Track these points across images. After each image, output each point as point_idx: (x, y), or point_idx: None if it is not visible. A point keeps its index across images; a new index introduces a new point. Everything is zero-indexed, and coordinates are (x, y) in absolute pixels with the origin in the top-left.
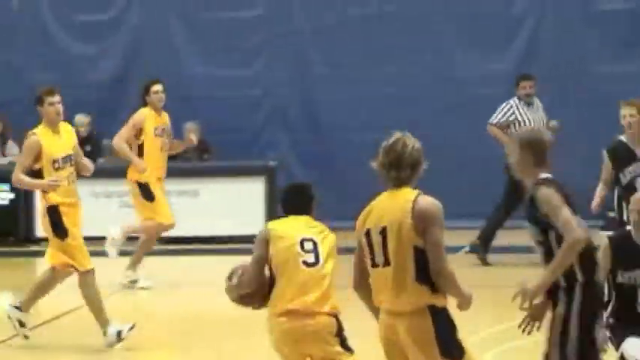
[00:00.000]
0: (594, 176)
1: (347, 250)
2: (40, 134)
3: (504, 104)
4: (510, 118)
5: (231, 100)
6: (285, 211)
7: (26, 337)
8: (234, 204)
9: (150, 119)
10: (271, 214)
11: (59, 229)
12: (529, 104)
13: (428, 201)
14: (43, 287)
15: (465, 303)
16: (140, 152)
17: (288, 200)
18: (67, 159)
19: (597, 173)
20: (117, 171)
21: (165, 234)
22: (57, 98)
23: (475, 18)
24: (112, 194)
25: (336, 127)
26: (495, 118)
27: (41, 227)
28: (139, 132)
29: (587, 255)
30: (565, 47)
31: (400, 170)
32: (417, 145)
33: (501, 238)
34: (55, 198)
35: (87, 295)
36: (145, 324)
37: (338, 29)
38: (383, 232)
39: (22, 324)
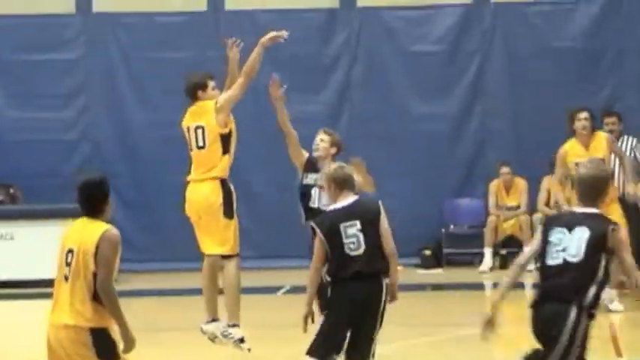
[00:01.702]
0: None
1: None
2: None
3: None
4: None
5: (46, 143)
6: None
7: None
8: (50, 247)
9: (571, 151)
10: None
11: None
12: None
13: None
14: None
15: None
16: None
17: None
18: None
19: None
20: None
21: None
22: None
23: (291, 59)
24: None
25: (156, 168)
26: None
27: None
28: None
29: None
30: (378, 87)
31: None
32: None
33: None
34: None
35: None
36: None
37: (155, 72)
38: None
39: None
